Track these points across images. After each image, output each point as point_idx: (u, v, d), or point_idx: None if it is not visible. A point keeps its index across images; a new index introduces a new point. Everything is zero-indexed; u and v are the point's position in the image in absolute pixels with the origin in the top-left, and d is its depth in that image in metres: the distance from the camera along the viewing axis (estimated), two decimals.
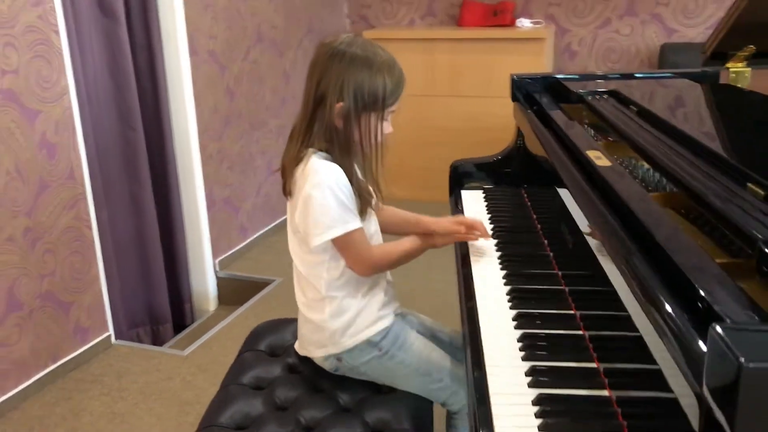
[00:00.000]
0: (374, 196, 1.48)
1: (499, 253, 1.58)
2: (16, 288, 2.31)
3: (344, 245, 1.43)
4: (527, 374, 1.12)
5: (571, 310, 1.29)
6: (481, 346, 1.20)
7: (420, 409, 1.48)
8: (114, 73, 2.75)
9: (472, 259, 1.56)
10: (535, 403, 1.04)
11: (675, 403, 0.77)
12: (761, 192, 0.99)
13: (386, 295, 1.53)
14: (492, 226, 1.75)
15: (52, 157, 2.40)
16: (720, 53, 1.99)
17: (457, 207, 1.94)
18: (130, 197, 2.88)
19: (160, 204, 3.01)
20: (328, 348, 1.48)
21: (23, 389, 2.36)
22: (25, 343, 2.36)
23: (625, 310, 0.97)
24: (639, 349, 0.89)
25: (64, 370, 2.50)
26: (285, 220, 1.57)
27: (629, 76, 2.07)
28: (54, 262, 2.44)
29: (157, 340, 3.02)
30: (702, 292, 0.76)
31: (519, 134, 2.01)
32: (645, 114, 1.53)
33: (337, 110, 1.39)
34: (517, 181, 2.01)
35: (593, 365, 1.12)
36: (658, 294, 0.81)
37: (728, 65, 1.99)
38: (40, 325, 2.41)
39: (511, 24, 4.00)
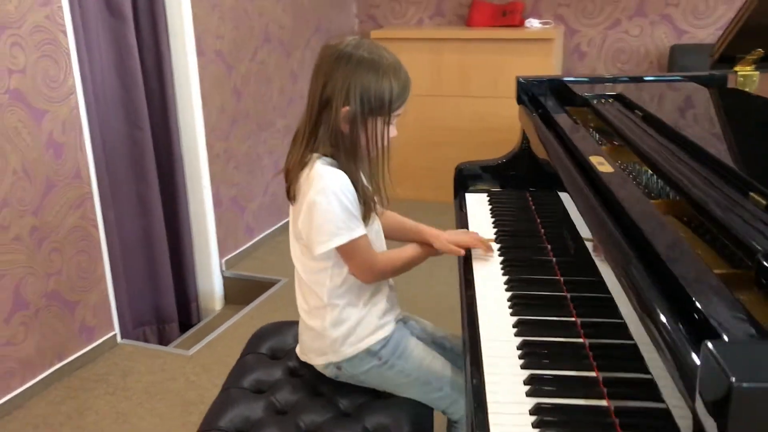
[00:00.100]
0: (378, 201, 1.47)
1: (501, 258, 1.57)
2: (23, 287, 2.32)
3: (349, 252, 1.41)
4: (526, 383, 1.11)
5: (572, 317, 1.28)
6: (481, 354, 1.20)
7: (420, 415, 1.48)
8: (121, 73, 2.75)
9: (475, 264, 1.55)
10: (532, 412, 1.04)
11: (672, 415, 0.77)
12: (763, 201, 0.98)
13: (388, 302, 1.52)
14: (495, 230, 1.75)
15: (59, 156, 2.41)
16: (728, 56, 1.97)
17: (461, 210, 1.93)
18: (137, 197, 2.89)
19: (167, 203, 3.02)
20: (328, 356, 1.48)
21: (29, 387, 2.37)
22: (31, 341, 2.37)
23: (624, 319, 0.96)
24: (638, 359, 0.89)
25: (69, 369, 2.51)
26: None
27: (636, 80, 2.05)
28: (60, 262, 2.45)
29: (163, 339, 3.03)
30: (699, 305, 0.76)
31: (524, 137, 2.00)
32: (650, 119, 1.52)
33: (343, 114, 1.37)
34: (522, 184, 2.00)
35: (593, 374, 1.11)
36: (654, 305, 0.81)
37: (736, 69, 1.97)
38: (46, 324, 2.42)
39: (520, 24, 3.98)
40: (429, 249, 1.57)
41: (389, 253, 1.53)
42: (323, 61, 1.40)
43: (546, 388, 1.10)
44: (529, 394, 1.08)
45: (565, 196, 1.40)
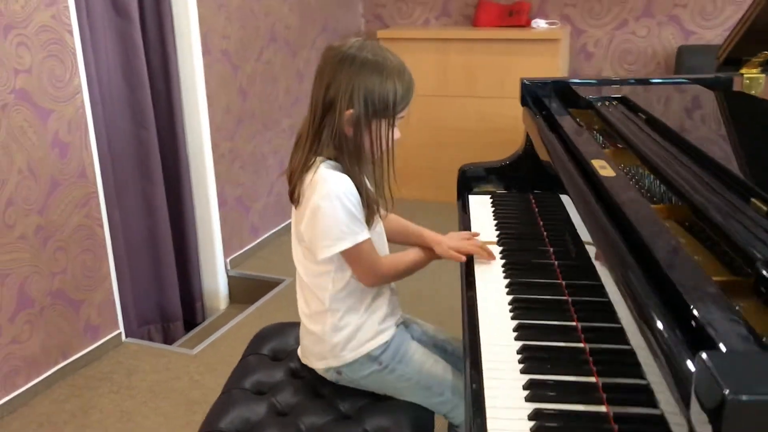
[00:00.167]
0: (382, 204, 1.45)
1: (503, 261, 1.57)
2: (28, 285, 2.33)
3: (353, 256, 1.40)
4: (525, 388, 1.11)
5: (573, 321, 1.28)
6: (480, 358, 1.19)
7: (421, 417, 1.47)
8: (127, 73, 2.76)
9: (476, 266, 1.55)
10: (531, 418, 1.03)
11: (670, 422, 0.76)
12: (764, 207, 0.97)
13: (389, 307, 1.51)
14: (498, 232, 1.74)
15: (64, 156, 2.42)
16: (734, 59, 1.96)
17: (464, 212, 1.92)
18: (142, 196, 2.90)
19: (172, 203, 3.03)
20: (329, 360, 1.48)
21: (33, 386, 2.38)
22: (36, 340, 2.38)
23: (623, 324, 0.95)
24: (637, 365, 0.88)
25: (74, 368, 2.53)
26: None
27: (640, 82, 2.04)
28: (65, 260, 2.46)
29: (168, 338, 3.04)
30: (696, 313, 0.75)
31: (528, 139, 1.99)
32: (653, 122, 1.51)
33: (347, 117, 1.36)
34: (525, 186, 2.00)
35: (592, 379, 1.11)
36: (651, 312, 0.80)
37: (742, 71, 1.96)
38: (51, 323, 2.43)
39: (527, 25, 3.97)
40: (431, 254, 1.56)
41: (393, 256, 1.53)
42: (326, 63, 1.39)
43: (545, 393, 1.09)
44: (528, 399, 1.08)
45: (567, 199, 1.40)
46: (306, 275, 1.48)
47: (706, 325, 0.72)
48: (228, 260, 3.32)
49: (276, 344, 1.71)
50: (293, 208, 1.47)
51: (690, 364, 0.68)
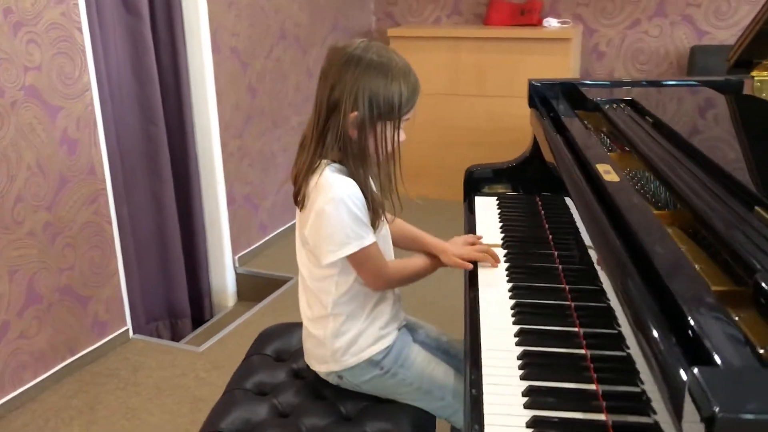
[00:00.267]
0: (389, 208, 1.44)
1: (507, 264, 1.56)
2: (36, 281, 2.35)
3: (360, 260, 1.39)
4: (524, 394, 1.10)
5: (575, 327, 1.27)
6: (481, 364, 1.19)
7: (422, 420, 1.47)
8: (137, 70, 2.77)
9: (480, 269, 1.54)
10: (529, 425, 1.03)
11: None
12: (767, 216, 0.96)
13: (391, 312, 1.50)
14: (503, 234, 1.73)
15: (73, 152, 2.43)
16: (745, 61, 1.94)
17: (470, 213, 1.92)
18: (151, 193, 2.91)
19: (181, 200, 3.04)
20: (330, 365, 1.47)
21: (41, 381, 2.40)
22: (44, 335, 2.40)
23: (623, 332, 0.95)
24: (636, 372, 0.88)
25: (81, 363, 2.54)
26: None
27: (649, 84, 2.03)
28: (73, 257, 2.48)
29: (176, 335, 3.05)
30: (693, 324, 0.74)
31: (535, 141, 1.98)
32: (660, 126, 1.50)
33: (352, 119, 1.34)
34: (532, 188, 1.98)
35: (592, 387, 1.10)
36: (648, 320, 0.79)
37: (753, 74, 1.94)
38: (59, 319, 2.45)
39: (538, 24, 3.95)
40: (437, 262, 1.56)
41: (399, 261, 1.51)
42: (331, 65, 1.37)
43: (544, 400, 1.08)
44: (527, 406, 1.07)
45: (571, 203, 1.39)
46: (309, 278, 1.47)
47: (703, 337, 0.72)
48: (236, 258, 3.32)
49: (280, 344, 1.71)
50: (297, 210, 1.46)
51: (684, 376, 0.67)
